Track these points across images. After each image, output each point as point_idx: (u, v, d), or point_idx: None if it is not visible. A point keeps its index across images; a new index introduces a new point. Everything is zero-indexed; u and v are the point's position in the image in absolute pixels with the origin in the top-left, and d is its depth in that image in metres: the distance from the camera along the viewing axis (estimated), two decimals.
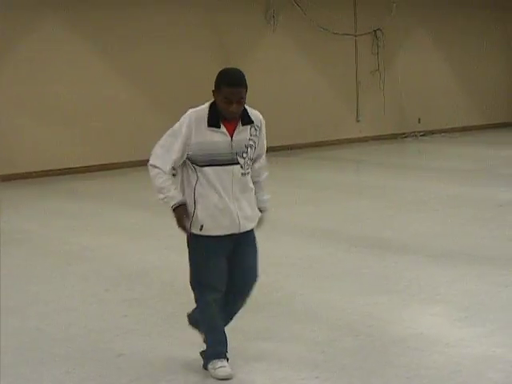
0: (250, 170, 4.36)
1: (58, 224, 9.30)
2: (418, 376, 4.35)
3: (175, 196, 4.27)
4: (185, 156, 4.26)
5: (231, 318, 4.60)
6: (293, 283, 6.30)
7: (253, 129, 4.34)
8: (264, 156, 4.55)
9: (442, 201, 10.02)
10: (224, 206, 4.28)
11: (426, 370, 4.42)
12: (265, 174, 4.58)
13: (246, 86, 4.23)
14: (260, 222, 4.52)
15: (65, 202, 10.88)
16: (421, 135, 18.66)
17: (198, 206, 4.28)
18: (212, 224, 4.30)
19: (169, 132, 4.32)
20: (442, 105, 19.48)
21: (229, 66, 4.38)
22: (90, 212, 10.10)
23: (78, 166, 13.88)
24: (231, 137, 4.25)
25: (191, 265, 4.45)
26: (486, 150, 15.93)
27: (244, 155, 4.28)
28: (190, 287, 6.20)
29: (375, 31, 17.93)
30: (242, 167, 4.29)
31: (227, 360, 4.44)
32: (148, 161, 4.35)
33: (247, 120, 4.32)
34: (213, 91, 4.27)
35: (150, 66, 14.62)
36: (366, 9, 17.68)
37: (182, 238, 8.01)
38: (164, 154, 4.28)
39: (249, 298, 4.54)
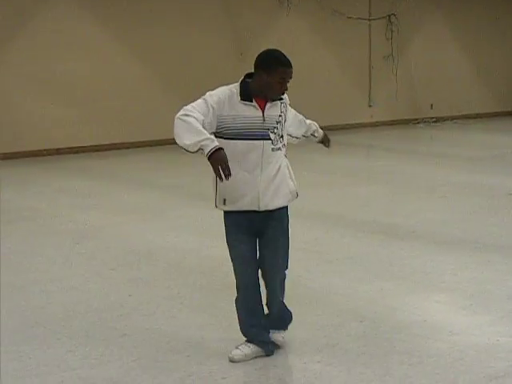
0: (280, 146, 4.35)
1: (66, 202, 9.32)
2: (420, 363, 4.34)
3: (214, 139, 4.03)
4: (214, 127, 4.15)
5: (274, 302, 4.57)
6: (298, 267, 6.26)
7: (282, 105, 4.36)
8: (302, 117, 4.77)
9: (451, 188, 9.97)
10: (247, 180, 4.23)
11: (429, 358, 4.41)
12: (309, 121, 4.87)
13: None
14: (323, 135, 5.03)
15: (74, 181, 10.88)
16: (433, 121, 18.58)
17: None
18: (234, 197, 4.25)
19: (199, 100, 4.19)
20: (455, 91, 19.36)
21: (272, 48, 4.32)
22: (98, 191, 10.11)
23: (88, 144, 13.90)
24: (263, 112, 4.25)
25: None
26: (499, 138, 15.84)
27: (275, 130, 4.29)
28: (196, 268, 6.25)
29: (389, 16, 17.83)
30: (272, 142, 4.28)
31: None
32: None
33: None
34: (258, 72, 4.22)
35: (163, 48, 14.58)
36: None
37: (190, 219, 7.99)
38: (195, 110, 4.11)
39: (282, 282, 4.58)
